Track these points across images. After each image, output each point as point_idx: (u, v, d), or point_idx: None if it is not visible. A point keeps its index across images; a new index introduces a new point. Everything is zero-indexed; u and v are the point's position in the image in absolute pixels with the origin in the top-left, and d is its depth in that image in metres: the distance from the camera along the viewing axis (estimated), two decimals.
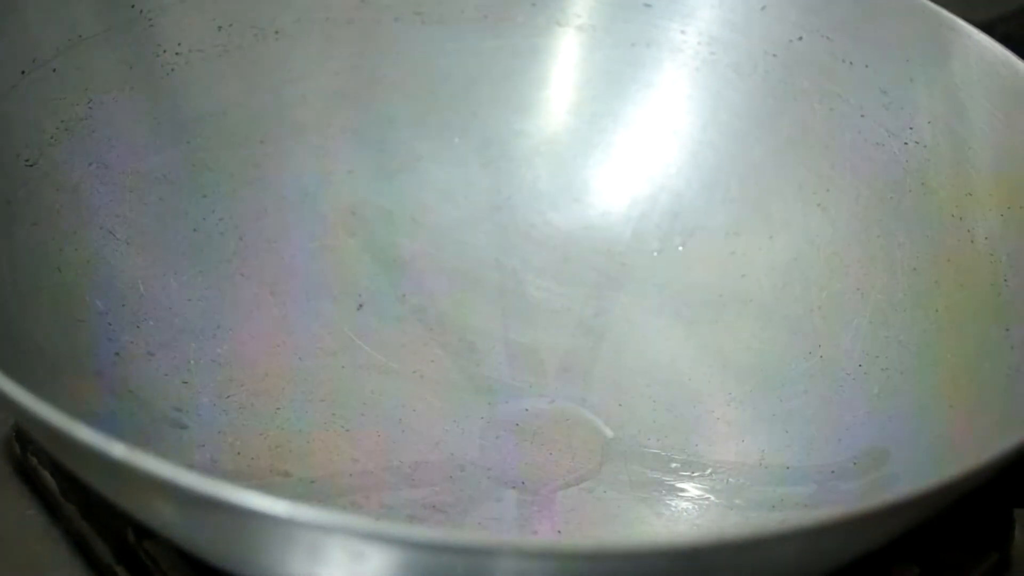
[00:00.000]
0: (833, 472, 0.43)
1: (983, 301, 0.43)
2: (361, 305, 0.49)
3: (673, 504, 0.43)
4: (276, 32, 0.51)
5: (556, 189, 0.52)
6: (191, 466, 0.40)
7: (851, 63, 0.49)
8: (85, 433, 0.29)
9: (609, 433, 0.46)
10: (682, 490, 0.44)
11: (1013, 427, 0.35)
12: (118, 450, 0.29)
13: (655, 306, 0.50)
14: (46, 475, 0.42)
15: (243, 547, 0.32)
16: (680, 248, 0.50)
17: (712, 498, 0.43)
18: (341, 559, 0.30)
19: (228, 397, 0.44)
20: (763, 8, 0.50)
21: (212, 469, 0.42)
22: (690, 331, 0.49)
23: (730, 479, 0.44)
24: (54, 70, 0.45)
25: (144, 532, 0.39)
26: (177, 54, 0.49)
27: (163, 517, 0.33)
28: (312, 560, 0.30)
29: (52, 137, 0.45)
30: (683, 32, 0.52)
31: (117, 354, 0.43)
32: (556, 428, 0.46)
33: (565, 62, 0.53)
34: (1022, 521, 0.43)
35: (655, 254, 0.51)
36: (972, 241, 0.45)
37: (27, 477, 0.43)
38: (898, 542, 0.35)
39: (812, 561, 0.33)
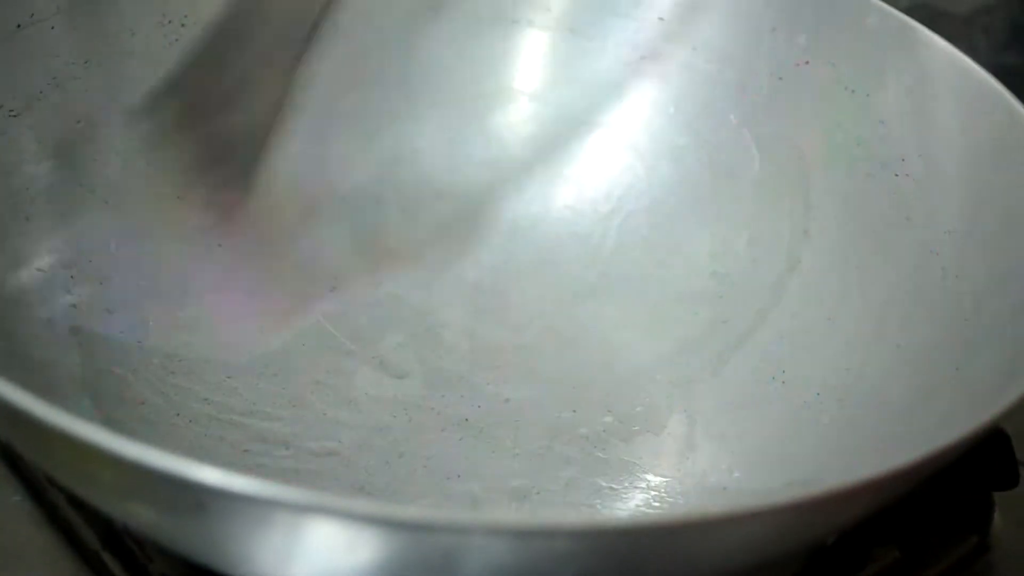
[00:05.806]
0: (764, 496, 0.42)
1: (942, 340, 0.42)
2: (334, 287, 0.49)
3: (605, 513, 0.43)
4: None
5: (551, 195, 0.52)
6: (119, 422, 0.41)
7: (853, 91, 0.48)
8: None
9: (556, 437, 0.45)
10: (616, 501, 0.43)
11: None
12: None
13: (628, 318, 0.49)
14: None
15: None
16: (662, 265, 0.50)
17: (644, 511, 0.43)
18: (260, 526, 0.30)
19: (180, 361, 0.45)
20: (773, 30, 0.50)
21: (147, 429, 0.42)
22: (659, 347, 0.48)
23: (667, 495, 0.43)
24: (52, 28, 0.46)
25: None
26: (183, 26, 0.49)
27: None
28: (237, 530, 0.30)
29: (41, 92, 0.45)
30: (694, 48, 0.52)
31: (73, 306, 0.44)
32: (504, 427, 0.45)
33: (576, 70, 0.53)
34: (1002, 504, 0.43)
35: (636, 268, 0.50)
36: (944, 279, 0.43)
37: (12, 463, 0.42)
38: (878, 525, 0.34)
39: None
